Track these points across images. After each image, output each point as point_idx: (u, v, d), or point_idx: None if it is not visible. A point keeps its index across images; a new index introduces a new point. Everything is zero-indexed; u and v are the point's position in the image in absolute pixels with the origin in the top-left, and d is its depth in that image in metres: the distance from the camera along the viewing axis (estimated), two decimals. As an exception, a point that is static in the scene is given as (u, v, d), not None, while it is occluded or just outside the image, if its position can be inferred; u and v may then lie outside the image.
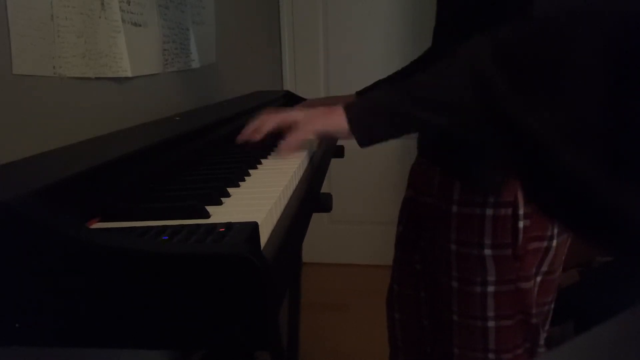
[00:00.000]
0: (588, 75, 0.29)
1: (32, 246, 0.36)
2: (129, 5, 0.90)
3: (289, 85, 2.43)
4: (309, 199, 0.62)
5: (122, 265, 0.35)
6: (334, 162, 1.15)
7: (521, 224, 0.76)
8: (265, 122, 0.73)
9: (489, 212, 0.76)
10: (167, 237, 0.39)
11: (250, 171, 0.65)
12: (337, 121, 0.66)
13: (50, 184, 0.41)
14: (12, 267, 0.36)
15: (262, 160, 0.72)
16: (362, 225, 2.57)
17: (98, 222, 0.47)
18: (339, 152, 1.16)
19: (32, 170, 0.50)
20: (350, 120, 0.65)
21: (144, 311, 0.36)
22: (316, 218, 0.93)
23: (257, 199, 0.52)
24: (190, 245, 0.37)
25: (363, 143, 0.65)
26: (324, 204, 0.70)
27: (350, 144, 0.71)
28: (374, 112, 0.66)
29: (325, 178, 0.85)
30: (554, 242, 0.80)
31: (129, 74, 0.89)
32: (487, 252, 0.78)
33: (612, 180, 0.29)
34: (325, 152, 0.88)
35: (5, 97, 0.64)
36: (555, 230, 0.79)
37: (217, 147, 0.81)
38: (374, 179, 2.48)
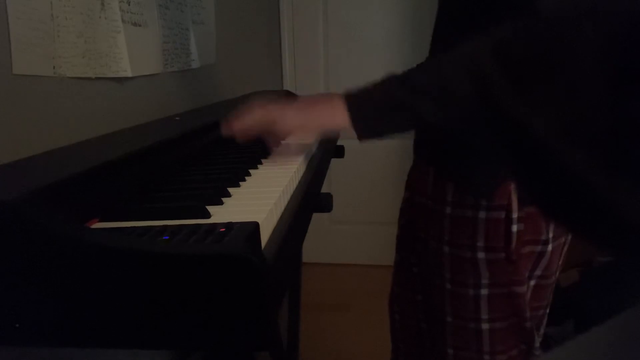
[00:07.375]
0: (589, 74, 0.29)
1: (32, 246, 0.36)
2: (129, 5, 0.90)
3: (289, 85, 2.43)
4: (309, 199, 0.62)
5: (122, 265, 0.35)
6: (334, 162, 1.15)
7: (514, 228, 0.74)
8: (252, 122, 0.67)
9: (482, 214, 0.75)
10: (167, 237, 0.39)
11: (251, 171, 0.65)
12: (338, 118, 0.63)
13: (50, 184, 0.41)
14: (12, 266, 0.36)
15: (263, 160, 0.72)
16: (362, 225, 2.57)
17: (98, 222, 0.47)
18: (339, 152, 1.15)
19: (32, 170, 0.50)
20: (351, 115, 0.62)
21: (144, 311, 0.36)
22: (316, 218, 0.93)
23: (258, 199, 0.52)
24: (190, 245, 0.37)
25: (364, 138, 0.63)
26: (324, 204, 0.70)
27: (350, 144, 0.71)
28: (376, 107, 0.63)
29: (325, 178, 0.85)
30: (549, 247, 0.78)
31: (129, 74, 0.89)
32: (480, 255, 0.76)
33: (612, 180, 0.29)
34: (325, 152, 0.88)
35: (5, 97, 0.64)
36: (551, 235, 0.77)
37: (217, 147, 0.81)
38: (374, 179, 2.48)
